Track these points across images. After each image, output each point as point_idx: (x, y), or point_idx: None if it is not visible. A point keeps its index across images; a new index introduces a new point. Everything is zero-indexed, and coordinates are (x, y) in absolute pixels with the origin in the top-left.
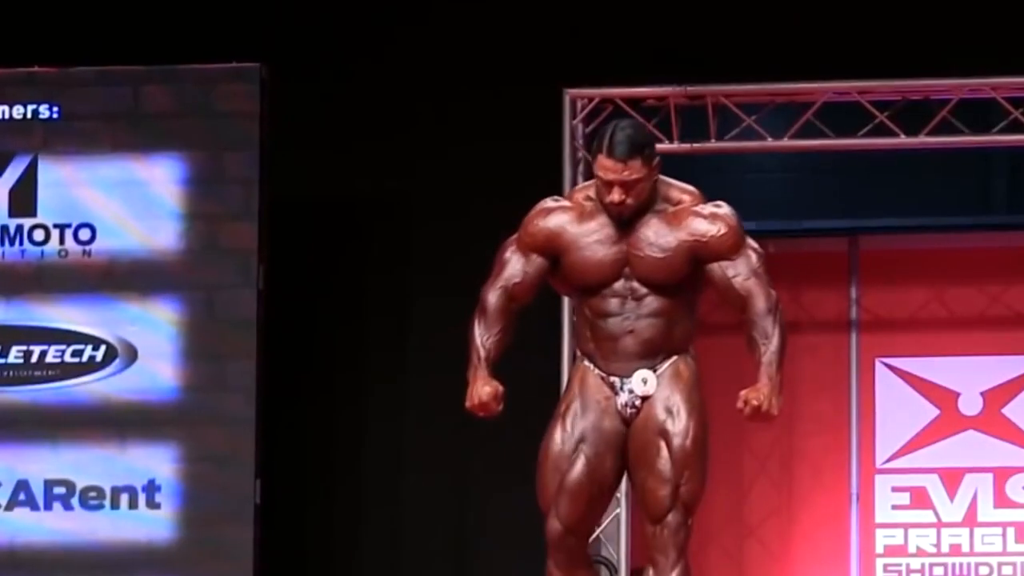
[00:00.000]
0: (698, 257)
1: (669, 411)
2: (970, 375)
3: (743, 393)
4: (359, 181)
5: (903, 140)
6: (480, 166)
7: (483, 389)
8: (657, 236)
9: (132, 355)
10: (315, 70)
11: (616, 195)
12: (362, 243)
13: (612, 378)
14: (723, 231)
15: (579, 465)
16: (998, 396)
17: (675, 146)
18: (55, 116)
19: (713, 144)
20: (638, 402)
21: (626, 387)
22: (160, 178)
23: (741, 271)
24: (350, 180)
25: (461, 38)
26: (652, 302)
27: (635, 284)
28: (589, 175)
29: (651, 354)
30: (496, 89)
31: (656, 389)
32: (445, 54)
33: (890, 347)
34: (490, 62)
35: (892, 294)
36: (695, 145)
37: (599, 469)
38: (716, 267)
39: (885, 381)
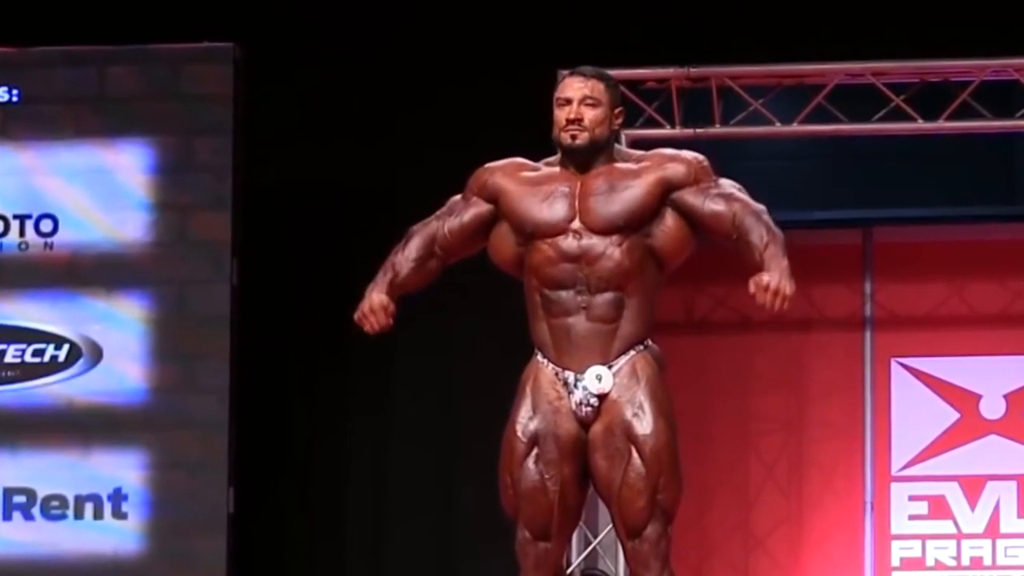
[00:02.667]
0: (667, 188)
1: (635, 412)
2: (992, 376)
3: (753, 279)
4: (340, 169)
5: (921, 125)
6: (469, 153)
7: (373, 296)
8: (613, 178)
9: (97, 355)
10: (292, 50)
11: (573, 112)
12: (343, 235)
13: (566, 373)
14: (689, 160)
15: (533, 471)
16: (1022, 398)
17: (677, 131)
18: (15, 99)
19: (717, 129)
20: (593, 401)
21: (580, 383)
22: (127, 165)
23: (718, 193)
24: (330, 167)
25: (449, 17)
26: (605, 268)
27: (586, 241)
28: None
29: (605, 336)
30: (486, 72)
31: (613, 388)
32: (432, 35)
33: (907, 346)
34: (479, 43)
35: (909, 290)
36: (698, 130)
37: (556, 476)
38: (688, 195)
39: (901, 382)
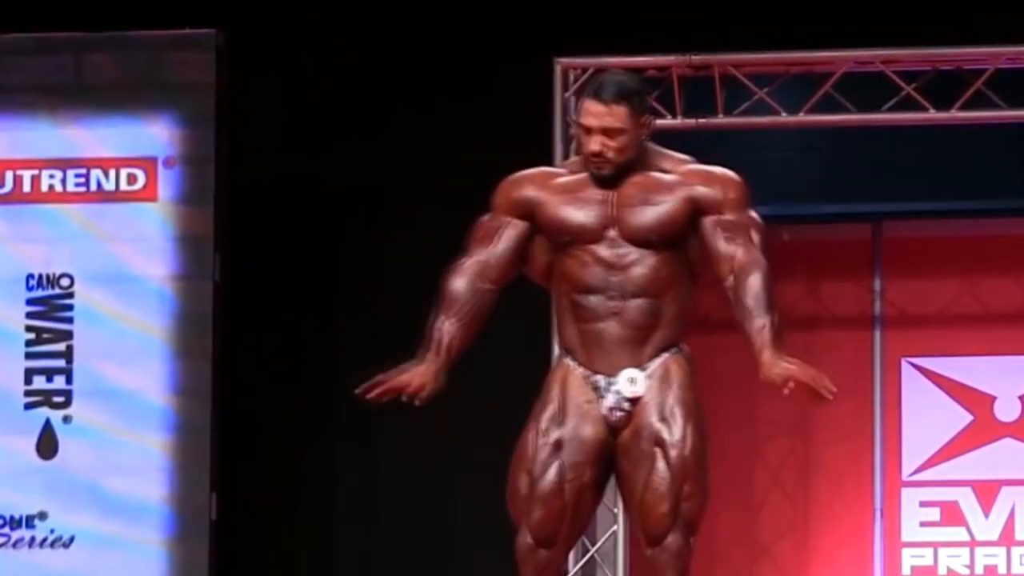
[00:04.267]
0: (696, 209)
1: (663, 417)
2: (1007, 377)
3: (768, 371)
4: (327, 161)
5: (933, 115)
6: (463, 145)
7: (419, 369)
8: (648, 190)
9: (68, 353)
10: (278, 37)
11: (595, 144)
12: (331, 230)
13: (596, 377)
14: (726, 183)
15: (554, 473)
16: None
17: (678, 122)
18: None
19: (720, 120)
20: (626, 405)
21: (612, 388)
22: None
23: (735, 231)
24: (317, 160)
25: (443, 4)
26: (639, 275)
27: (621, 250)
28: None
29: (638, 342)
30: (479, 60)
31: (646, 391)
32: (424, 20)
33: (918, 346)
34: (473, 29)
35: (920, 287)
36: (700, 121)
37: (576, 480)
38: (707, 223)
39: (912, 383)
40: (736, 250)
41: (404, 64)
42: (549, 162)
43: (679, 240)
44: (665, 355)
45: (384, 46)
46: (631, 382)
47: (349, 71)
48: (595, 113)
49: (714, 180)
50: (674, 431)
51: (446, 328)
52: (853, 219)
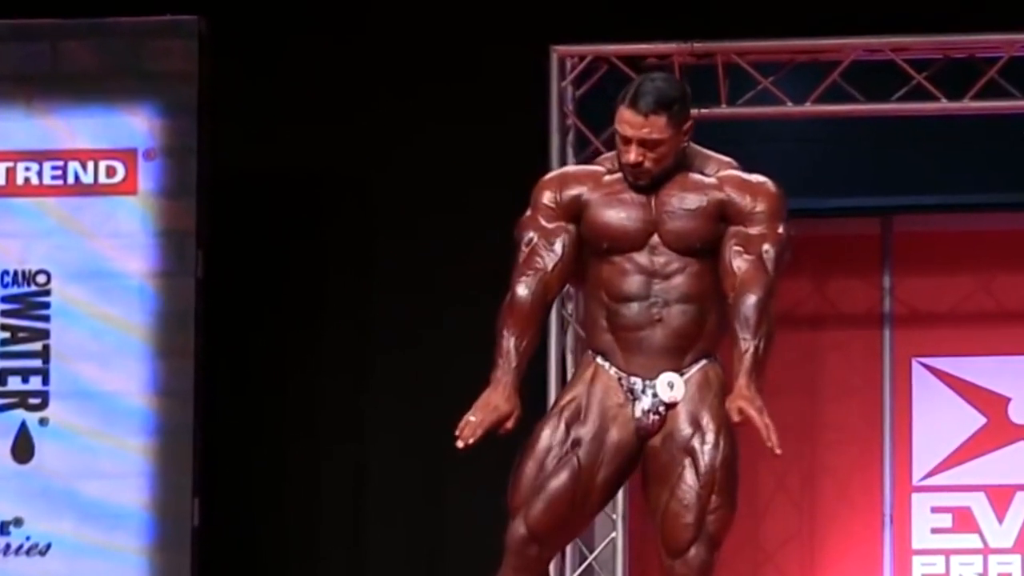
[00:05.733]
0: (723, 216)
1: (697, 424)
2: (1022, 377)
3: (731, 405)
4: (314, 153)
5: (944, 105)
6: (456, 135)
7: (501, 406)
8: (686, 194)
9: (45, 353)
10: (263, 23)
11: (633, 155)
12: (317, 224)
13: (633, 379)
14: (757, 193)
15: (567, 470)
16: None
17: None
18: None
19: (723, 110)
20: (662, 409)
21: (648, 391)
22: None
23: (749, 245)
24: (303, 151)
25: None
26: (682, 283)
27: (663, 258)
28: (580, 146)
29: (680, 350)
30: (474, 47)
31: (682, 397)
32: (416, 7)
33: (929, 345)
34: (466, 16)
35: (931, 283)
36: (703, 111)
37: (589, 481)
38: (730, 230)
39: (923, 384)
40: (742, 265)
41: (393, 52)
42: (543, 156)
43: (716, 245)
44: (704, 362)
45: (373, 33)
46: (670, 386)
47: (337, 59)
48: (632, 123)
49: (746, 189)
50: (707, 440)
51: (515, 345)
52: (862, 213)
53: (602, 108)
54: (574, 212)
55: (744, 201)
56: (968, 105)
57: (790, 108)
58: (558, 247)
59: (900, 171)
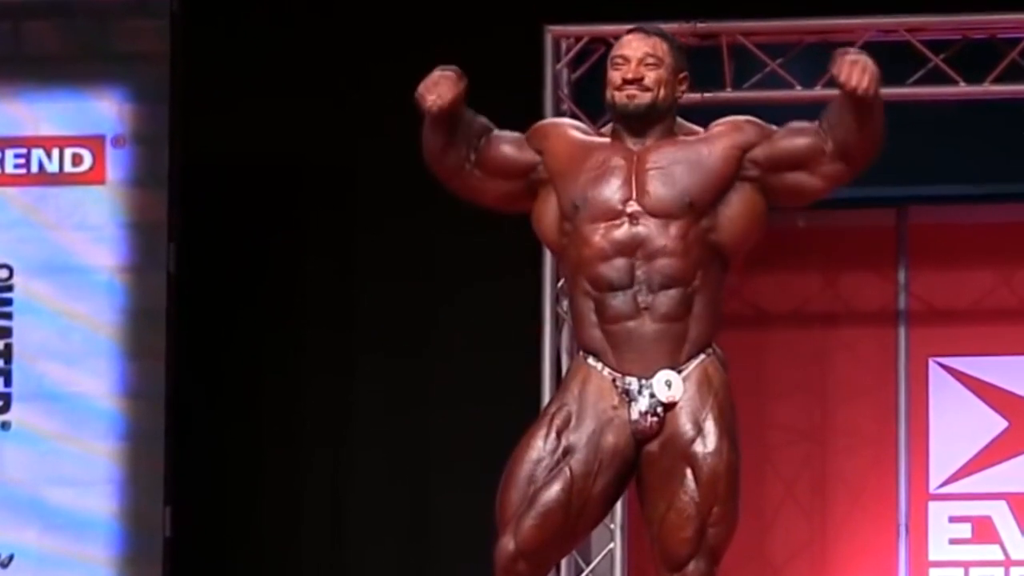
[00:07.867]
0: (743, 152)
1: (698, 428)
2: None
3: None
4: (293, 140)
5: (963, 89)
6: None
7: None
8: (678, 151)
9: (7, 352)
10: (238, 2)
11: (631, 71)
12: (296, 216)
13: (628, 379)
14: (758, 122)
15: (559, 481)
16: None
17: None
18: None
19: (729, 93)
20: (660, 410)
21: (645, 391)
22: (47, 134)
23: (791, 129)
24: (281, 138)
25: None
26: (666, 264)
27: (644, 228)
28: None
29: (674, 340)
30: (463, 27)
31: (681, 397)
32: None
33: (947, 344)
34: None
35: (950, 279)
36: (707, 95)
37: (583, 492)
38: (768, 147)
39: (941, 386)
40: (809, 126)
41: (378, 33)
42: None
43: (716, 202)
44: (702, 356)
45: (357, 14)
46: (667, 385)
47: (319, 41)
48: (634, 44)
49: (750, 122)
50: (708, 446)
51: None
52: (875, 204)
53: (598, 91)
54: (548, 146)
55: (754, 128)
56: (988, 89)
57: (799, 92)
58: (508, 143)
59: (916, 159)
